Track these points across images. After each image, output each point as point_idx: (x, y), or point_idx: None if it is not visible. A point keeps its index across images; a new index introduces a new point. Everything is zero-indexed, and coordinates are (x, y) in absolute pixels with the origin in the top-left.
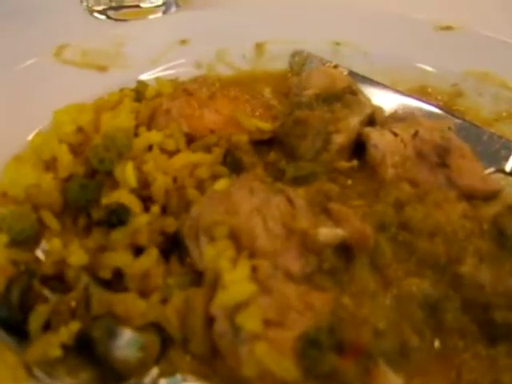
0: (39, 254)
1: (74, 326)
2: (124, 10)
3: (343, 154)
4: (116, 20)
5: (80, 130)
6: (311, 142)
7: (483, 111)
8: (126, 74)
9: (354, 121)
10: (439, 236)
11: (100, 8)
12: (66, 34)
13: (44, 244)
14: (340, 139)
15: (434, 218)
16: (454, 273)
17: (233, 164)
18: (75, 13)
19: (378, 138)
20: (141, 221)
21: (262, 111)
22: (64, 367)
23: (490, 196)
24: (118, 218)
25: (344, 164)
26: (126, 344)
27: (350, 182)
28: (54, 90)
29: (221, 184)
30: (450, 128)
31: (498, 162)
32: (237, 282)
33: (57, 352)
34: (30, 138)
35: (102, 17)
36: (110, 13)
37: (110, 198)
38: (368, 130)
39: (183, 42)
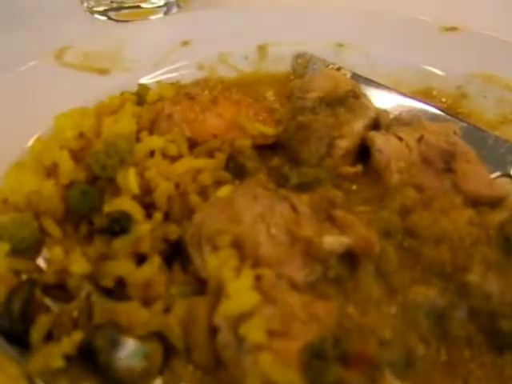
0: (41, 262)
1: (76, 336)
2: (125, 11)
3: (347, 159)
4: (117, 21)
5: (81, 135)
6: (314, 147)
7: (488, 114)
8: (127, 76)
9: (358, 125)
10: (445, 243)
11: (101, 9)
12: (67, 35)
13: (45, 252)
14: (344, 144)
15: (440, 225)
16: (460, 281)
17: (236, 169)
18: (76, 14)
19: (383, 143)
20: (143, 229)
21: (265, 115)
22: (66, 378)
23: (496, 202)
24: (120, 226)
25: (348, 169)
26: (130, 353)
27: (354, 187)
28: (55, 94)
29: (223, 191)
30: (455, 132)
31: (503, 166)
32: (240, 292)
33: (59, 362)
34: (30, 143)
35: (103, 18)
36: (111, 14)
37: (112, 206)
38: (372, 134)
39: (185, 43)
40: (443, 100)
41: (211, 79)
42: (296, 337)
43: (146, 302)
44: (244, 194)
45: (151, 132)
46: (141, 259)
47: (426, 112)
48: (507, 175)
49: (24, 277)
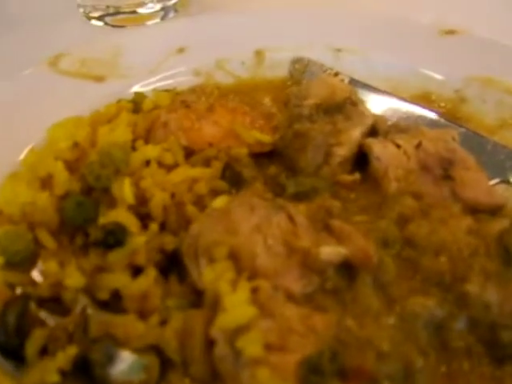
0: (35, 275)
1: (71, 351)
2: (121, 16)
3: (345, 167)
4: (113, 26)
5: (76, 145)
6: (312, 156)
7: (487, 118)
8: (123, 83)
9: (356, 132)
10: (444, 253)
11: (97, 14)
12: (63, 41)
13: (40, 265)
14: (342, 152)
15: (438, 235)
16: (459, 291)
17: (232, 178)
18: (72, 20)
19: (381, 150)
20: (138, 241)
21: (262, 123)
22: None
23: (495, 209)
24: (114, 238)
25: (346, 177)
26: (127, 367)
27: (352, 195)
28: (50, 103)
29: (220, 201)
30: (454, 138)
31: (502, 172)
32: (237, 305)
33: (54, 377)
34: (24, 154)
35: (100, 23)
36: (107, 19)
37: (108, 217)
38: (370, 141)
39: (181, 49)
40: (442, 104)
41: (208, 86)
42: (293, 350)
43: (142, 315)
44: (240, 205)
45: (147, 140)
46: (137, 271)
47: (424, 118)
48: (506, 181)
49: (19, 290)
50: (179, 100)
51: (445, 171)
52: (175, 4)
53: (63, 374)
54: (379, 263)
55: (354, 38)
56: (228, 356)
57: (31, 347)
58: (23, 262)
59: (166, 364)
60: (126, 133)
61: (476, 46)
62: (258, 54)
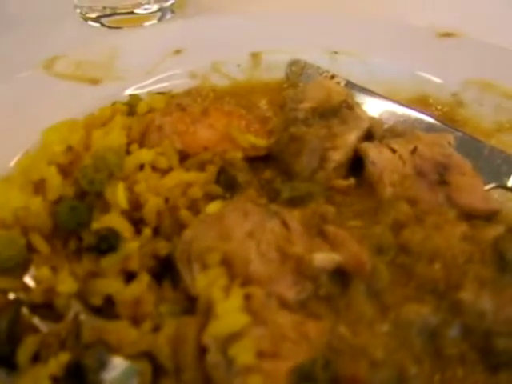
0: (28, 280)
1: (64, 358)
2: (118, 17)
3: (340, 172)
4: (110, 27)
5: (70, 149)
6: (307, 160)
7: (484, 121)
8: (119, 86)
9: (351, 137)
10: (439, 261)
11: (94, 15)
12: (59, 43)
13: (33, 270)
14: (337, 156)
15: (432, 242)
16: (453, 299)
17: (227, 182)
18: (69, 21)
19: (376, 155)
20: (132, 246)
21: (258, 126)
22: None
23: (491, 215)
24: (107, 244)
25: (341, 182)
26: (119, 373)
27: (347, 200)
28: (45, 106)
29: (214, 207)
30: (450, 143)
31: (499, 177)
32: (229, 313)
33: None
34: (17, 158)
35: (96, 25)
36: (104, 20)
37: (101, 222)
38: (366, 145)
39: (177, 51)
40: (439, 108)
41: (203, 88)
42: (286, 358)
43: (135, 321)
44: (234, 210)
45: (141, 144)
46: (130, 276)
47: (421, 121)
48: (503, 186)
49: (11, 295)
50: (174, 103)
51: (440, 176)
52: (172, 5)
53: (55, 380)
54: (373, 270)
55: (350, 40)
56: (220, 363)
57: (23, 354)
58: (16, 268)
59: (158, 370)
60: (120, 136)
61: (474, 48)
62: (255, 56)
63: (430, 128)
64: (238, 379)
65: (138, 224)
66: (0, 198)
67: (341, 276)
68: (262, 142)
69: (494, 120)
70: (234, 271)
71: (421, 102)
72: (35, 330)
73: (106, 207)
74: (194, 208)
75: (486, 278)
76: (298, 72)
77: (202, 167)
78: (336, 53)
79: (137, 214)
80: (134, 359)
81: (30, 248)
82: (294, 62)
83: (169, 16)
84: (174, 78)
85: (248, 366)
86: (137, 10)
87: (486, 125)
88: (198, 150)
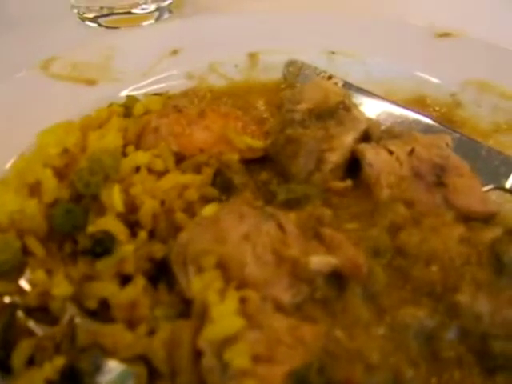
0: (23, 283)
1: (59, 361)
2: (115, 17)
3: (337, 173)
4: (107, 27)
5: (65, 151)
6: (303, 162)
7: (482, 122)
8: (115, 87)
9: (348, 138)
10: (435, 263)
11: (91, 15)
12: (56, 43)
13: (28, 273)
14: (334, 158)
15: (429, 244)
16: (450, 301)
17: (223, 185)
18: (66, 21)
19: (373, 157)
20: (127, 249)
21: (254, 128)
22: None
23: (488, 217)
24: (102, 247)
25: (338, 184)
26: (115, 376)
27: (343, 202)
28: (41, 107)
29: (209, 209)
30: (447, 144)
31: (497, 178)
32: (225, 316)
33: None
34: (12, 160)
35: (94, 25)
36: (101, 20)
37: (96, 225)
38: (363, 146)
39: (175, 51)
40: (437, 109)
41: (200, 89)
42: (281, 362)
43: (131, 324)
44: (230, 213)
45: (138, 146)
46: (125, 280)
47: (418, 122)
48: (501, 188)
49: (6, 299)
50: (171, 104)
51: (438, 178)
52: (170, 5)
53: None
54: (369, 273)
55: (348, 40)
56: (215, 367)
57: (18, 358)
58: (11, 271)
59: (153, 374)
60: (116, 138)
61: (472, 48)
62: (252, 56)
63: (427, 129)
64: (233, 383)
65: (133, 227)
66: None
67: (337, 279)
68: (258, 144)
69: (492, 121)
70: (230, 274)
71: (419, 103)
72: (30, 333)
73: (101, 210)
74: (190, 210)
75: (483, 280)
76: (295, 72)
77: (198, 169)
78: (333, 53)
79: (132, 216)
80: (129, 363)
81: (26, 251)
82: (291, 63)
83: (166, 16)
84: (170, 79)
85: (243, 370)
86: (134, 10)
87: (484, 126)
88: (195, 152)
